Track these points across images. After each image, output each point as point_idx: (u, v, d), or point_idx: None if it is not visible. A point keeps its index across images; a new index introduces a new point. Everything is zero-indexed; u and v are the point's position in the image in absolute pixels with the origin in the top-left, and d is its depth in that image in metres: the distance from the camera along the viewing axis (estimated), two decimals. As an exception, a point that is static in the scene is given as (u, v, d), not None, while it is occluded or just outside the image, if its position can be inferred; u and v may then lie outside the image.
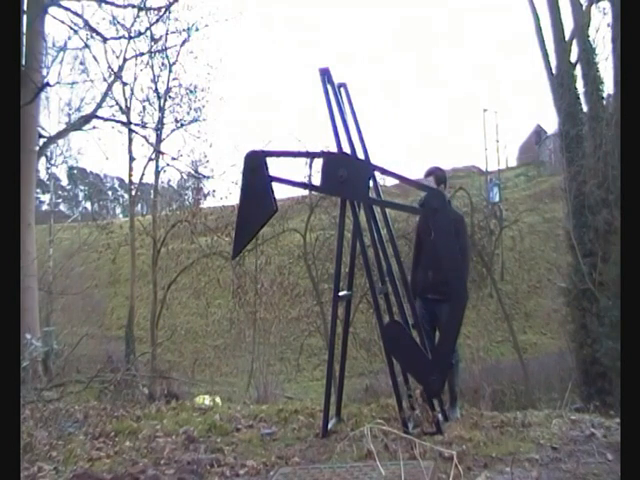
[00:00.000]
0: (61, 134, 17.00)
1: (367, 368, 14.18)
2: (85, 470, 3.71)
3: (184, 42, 17.97)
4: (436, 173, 5.03)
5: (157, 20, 16.38)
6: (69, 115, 19.79)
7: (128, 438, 4.55)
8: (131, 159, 19.20)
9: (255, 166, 4.26)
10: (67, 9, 13.37)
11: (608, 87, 13.02)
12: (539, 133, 42.53)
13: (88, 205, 44.68)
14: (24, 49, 11.10)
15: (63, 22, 13.55)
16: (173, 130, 18.61)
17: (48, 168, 27.06)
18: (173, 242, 19.10)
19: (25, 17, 11.37)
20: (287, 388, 14.50)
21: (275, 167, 4.32)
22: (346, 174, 4.15)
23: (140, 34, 16.32)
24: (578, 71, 13.34)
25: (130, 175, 20.10)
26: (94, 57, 19.16)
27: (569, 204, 12.70)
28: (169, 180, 25.02)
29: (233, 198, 17.26)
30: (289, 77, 71.59)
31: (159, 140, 18.51)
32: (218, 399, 7.38)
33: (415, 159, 65.34)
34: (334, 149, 4.39)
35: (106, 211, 42.85)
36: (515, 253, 23.97)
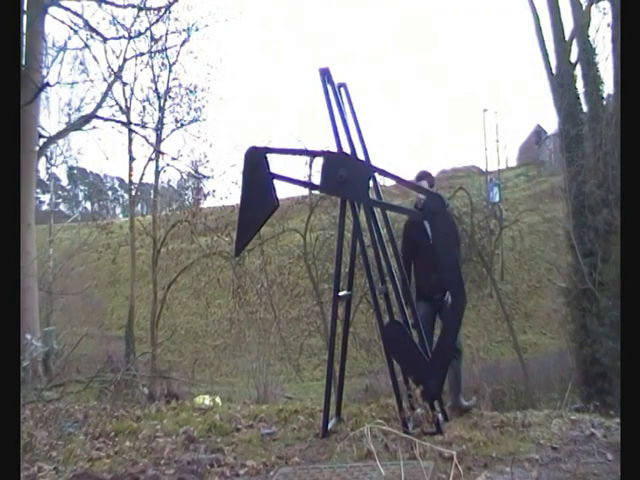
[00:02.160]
0: (61, 134, 17.02)
1: (367, 368, 14.17)
2: (85, 470, 3.71)
3: (184, 42, 17.97)
4: (428, 178, 5.09)
5: (157, 20, 16.42)
6: (69, 115, 19.80)
7: (128, 438, 4.55)
8: (131, 159, 19.21)
9: (256, 162, 4.26)
10: (67, 9, 13.42)
11: (608, 87, 13.03)
12: (539, 133, 42.50)
13: (88, 205, 44.76)
14: (24, 49, 11.11)
15: (63, 22, 13.60)
16: (173, 130, 18.62)
17: (48, 168, 27.12)
18: (173, 242, 19.08)
19: (25, 17, 11.38)
20: (287, 388, 14.50)
21: (275, 168, 4.33)
22: (346, 174, 4.15)
23: (140, 34, 16.35)
24: (578, 71, 13.34)
25: (130, 175, 20.11)
26: (94, 57, 19.11)
27: (569, 204, 12.70)
28: (169, 180, 25.00)
29: (233, 198, 17.28)
30: (289, 77, 71.65)
31: (159, 140, 18.50)
32: (218, 399, 7.39)
33: (415, 159, 65.44)
34: (334, 149, 4.39)
35: (106, 211, 42.88)
36: (515, 253, 23.93)
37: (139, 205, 30.90)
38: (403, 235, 5.26)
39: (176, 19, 17.32)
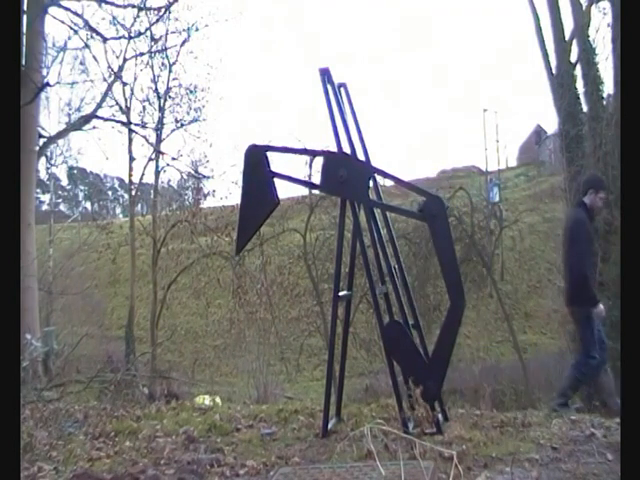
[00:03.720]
0: (61, 134, 17.06)
1: (367, 368, 14.18)
2: (85, 470, 3.70)
3: (184, 42, 18.03)
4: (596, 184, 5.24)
5: (157, 20, 16.48)
6: (69, 115, 19.85)
7: (128, 438, 4.54)
8: (131, 159, 19.24)
9: (256, 160, 4.26)
10: (67, 9, 13.45)
11: (608, 87, 13.00)
12: (539, 133, 42.47)
13: (88, 205, 44.74)
14: (24, 49, 11.12)
15: (63, 22, 13.64)
16: (173, 130, 18.67)
17: (48, 168, 27.14)
18: (173, 242, 19.10)
19: (25, 17, 11.39)
20: (287, 388, 14.51)
21: (275, 168, 4.33)
22: (346, 174, 4.15)
23: (140, 34, 16.39)
24: (578, 71, 13.31)
25: (130, 175, 20.15)
26: (94, 57, 19.00)
27: (569, 204, 12.68)
28: (169, 180, 25.01)
29: (233, 198, 17.32)
30: (289, 77, 71.58)
31: (159, 140, 18.53)
32: (218, 399, 7.39)
33: (415, 159, 65.43)
34: (334, 149, 4.39)
35: (106, 211, 42.84)
36: (515, 253, 23.94)
37: (139, 205, 30.91)
38: (580, 234, 5.22)
39: (176, 19, 17.42)
